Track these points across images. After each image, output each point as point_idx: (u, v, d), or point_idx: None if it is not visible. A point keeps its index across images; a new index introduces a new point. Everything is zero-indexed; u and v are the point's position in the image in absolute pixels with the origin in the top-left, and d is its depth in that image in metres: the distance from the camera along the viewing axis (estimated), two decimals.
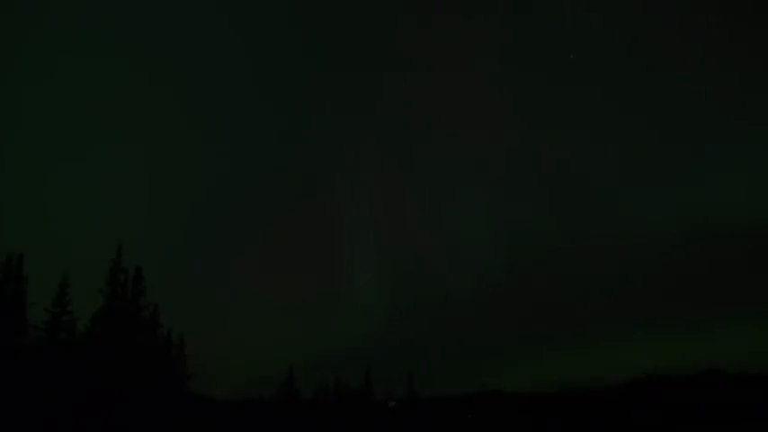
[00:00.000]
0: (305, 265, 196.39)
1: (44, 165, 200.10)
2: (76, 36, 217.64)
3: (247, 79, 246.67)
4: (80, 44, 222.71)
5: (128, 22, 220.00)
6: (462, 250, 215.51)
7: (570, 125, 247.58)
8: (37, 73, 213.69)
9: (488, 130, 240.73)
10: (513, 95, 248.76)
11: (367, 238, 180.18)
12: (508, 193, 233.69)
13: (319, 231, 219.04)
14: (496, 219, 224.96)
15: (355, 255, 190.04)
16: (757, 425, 52.63)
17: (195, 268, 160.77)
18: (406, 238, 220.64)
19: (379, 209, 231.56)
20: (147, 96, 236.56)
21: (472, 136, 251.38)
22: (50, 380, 32.79)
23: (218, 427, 48.73)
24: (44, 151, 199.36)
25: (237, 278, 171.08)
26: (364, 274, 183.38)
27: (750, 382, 65.68)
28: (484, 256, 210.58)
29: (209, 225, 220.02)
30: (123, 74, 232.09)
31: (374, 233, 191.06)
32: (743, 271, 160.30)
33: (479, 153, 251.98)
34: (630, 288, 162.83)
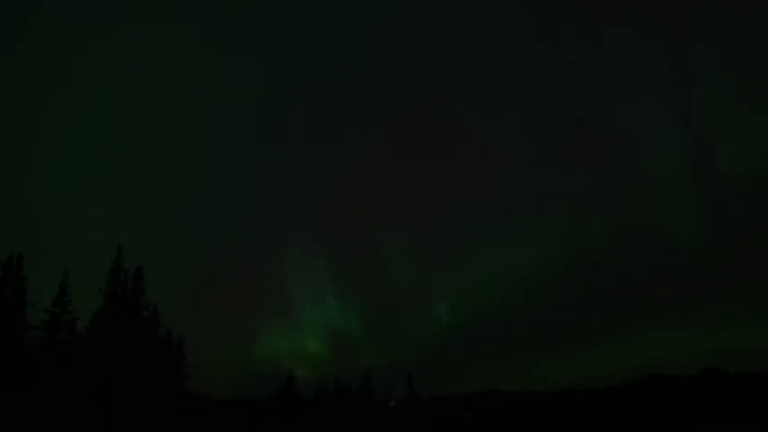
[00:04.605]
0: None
1: (44, 165, 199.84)
2: (78, 26, 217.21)
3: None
4: (82, 41, 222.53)
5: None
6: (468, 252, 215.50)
7: None
8: (37, 73, 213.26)
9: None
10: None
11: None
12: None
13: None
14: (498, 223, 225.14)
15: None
16: (757, 425, 52.56)
17: (195, 268, 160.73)
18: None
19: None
20: (147, 97, 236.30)
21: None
22: (50, 380, 32.77)
23: (218, 427, 48.68)
24: (44, 152, 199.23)
25: (237, 279, 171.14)
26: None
27: (750, 382, 65.65)
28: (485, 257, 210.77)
29: (209, 225, 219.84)
30: (123, 74, 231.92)
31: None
32: (742, 270, 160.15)
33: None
34: (631, 288, 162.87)
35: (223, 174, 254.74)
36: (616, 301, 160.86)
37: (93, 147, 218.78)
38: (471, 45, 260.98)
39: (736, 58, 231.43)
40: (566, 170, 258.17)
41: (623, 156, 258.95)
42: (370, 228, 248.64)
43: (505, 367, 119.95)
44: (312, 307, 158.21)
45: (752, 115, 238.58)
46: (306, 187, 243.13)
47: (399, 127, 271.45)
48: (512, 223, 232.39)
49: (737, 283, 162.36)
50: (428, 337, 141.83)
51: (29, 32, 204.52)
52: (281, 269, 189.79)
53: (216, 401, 58.21)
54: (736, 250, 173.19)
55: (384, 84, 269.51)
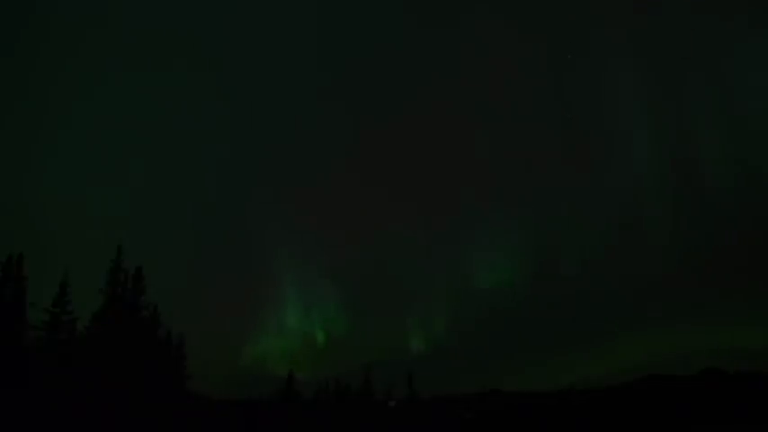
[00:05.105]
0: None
1: (44, 165, 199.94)
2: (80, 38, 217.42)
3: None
4: (82, 41, 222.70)
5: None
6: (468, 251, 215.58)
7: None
8: (36, 73, 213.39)
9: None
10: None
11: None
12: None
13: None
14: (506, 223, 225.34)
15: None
16: (757, 425, 52.58)
17: (195, 268, 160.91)
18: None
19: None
20: (148, 97, 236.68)
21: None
22: (50, 380, 32.77)
23: (218, 427, 48.68)
24: (44, 152, 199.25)
25: (237, 278, 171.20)
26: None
27: (750, 382, 65.67)
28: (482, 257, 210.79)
29: (209, 225, 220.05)
30: (123, 74, 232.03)
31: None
32: (743, 269, 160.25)
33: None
34: (631, 288, 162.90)
35: (223, 174, 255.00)
36: (616, 300, 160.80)
37: (93, 147, 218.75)
38: (471, 45, 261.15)
39: (737, 57, 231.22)
40: (566, 170, 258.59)
41: (623, 156, 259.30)
42: (370, 228, 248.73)
43: (505, 367, 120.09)
44: (313, 307, 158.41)
45: (752, 116, 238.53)
46: (305, 187, 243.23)
47: (400, 127, 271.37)
48: (512, 223, 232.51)
49: (737, 283, 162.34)
50: (428, 337, 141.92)
51: (28, 33, 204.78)
52: (282, 269, 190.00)
53: (216, 401, 58.25)
54: (736, 250, 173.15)
55: (384, 84, 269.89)
